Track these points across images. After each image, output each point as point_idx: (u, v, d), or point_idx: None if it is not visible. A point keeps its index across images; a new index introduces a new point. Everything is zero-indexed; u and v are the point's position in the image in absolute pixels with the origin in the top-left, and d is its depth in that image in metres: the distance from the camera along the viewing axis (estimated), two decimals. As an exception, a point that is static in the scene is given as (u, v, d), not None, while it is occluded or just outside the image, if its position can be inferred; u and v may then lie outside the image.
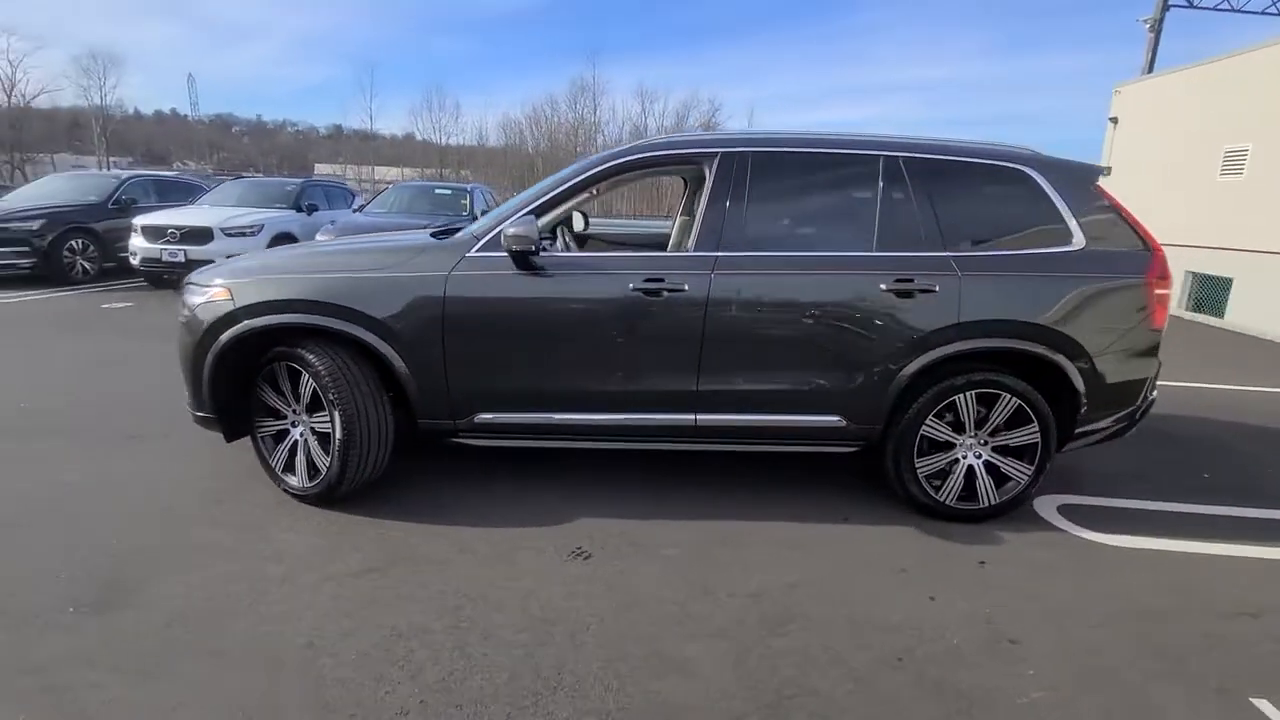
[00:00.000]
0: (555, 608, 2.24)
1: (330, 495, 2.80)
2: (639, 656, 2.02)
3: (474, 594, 2.29)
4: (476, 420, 2.85)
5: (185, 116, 60.52)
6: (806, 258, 2.86)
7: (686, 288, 2.74)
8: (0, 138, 40.13)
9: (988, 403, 2.84)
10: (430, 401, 2.82)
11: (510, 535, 2.71)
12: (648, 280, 2.73)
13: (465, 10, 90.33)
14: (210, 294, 2.78)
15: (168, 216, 8.17)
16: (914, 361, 2.79)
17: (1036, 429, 2.87)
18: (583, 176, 2.92)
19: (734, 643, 2.10)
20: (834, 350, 2.81)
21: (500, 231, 2.71)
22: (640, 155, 2.98)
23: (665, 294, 2.74)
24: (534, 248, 2.65)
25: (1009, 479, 2.94)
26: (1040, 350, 2.81)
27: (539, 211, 2.85)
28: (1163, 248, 3.00)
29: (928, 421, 2.84)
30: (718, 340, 2.77)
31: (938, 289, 2.77)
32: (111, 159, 45.84)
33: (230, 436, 2.94)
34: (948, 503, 2.93)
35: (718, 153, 2.91)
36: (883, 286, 2.76)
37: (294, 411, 2.86)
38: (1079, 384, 2.85)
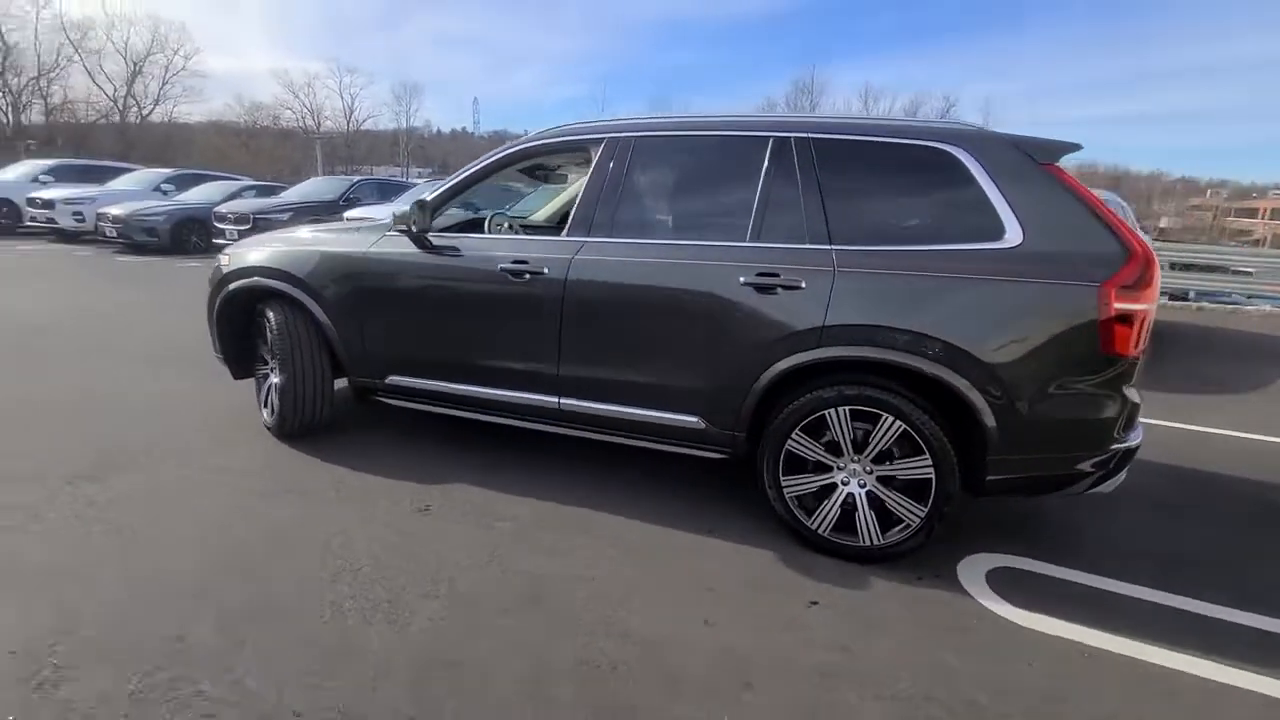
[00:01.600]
0: (353, 546, 2.50)
1: (281, 432, 3.39)
2: (372, 600, 2.19)
3: (310, 521, 2.65)
4: (388, 381, 3.22)
5: (470, 133, 72.30)
6: (665, 246, 2.71)
7: (546, 271, 2.79)
8: (340, 154, 51.84)
9: (872, 422, 2.42)
10: (354, 361, 3.25)
11: (387, 485, 3.02)
12: (514, 262, 2.84)
13: (695, 23, 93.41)
14: (219, 261, 3.54)
15: (361, 210, 10.06)
16: (775, 366, 2.49)
17: (928, 462, 2.37)
18: (478, 168, 3.11)
19: (458, 606, 2.16)
20: (690, 346, 2.63)
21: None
22: (531, 145, 3.08)
23: (528, 276, 2.82)
24: (411, 227, 2.93)
25: (899, 519, 2.46)
26: (917, 364, 2.32)
27: (439, 199, 3.11)
28: (1151, 252, 2.26)
29: (795, 436, 2.51)
30: (576, 325, 2.77)
31: (804, 286, 2.44)
32: (415, 170, 56.73)
33: (236, 375, 3.69)
34: (820, 532, 2.56)
35: (603, 138, 2.88)
36: (742, 280, 2.51)
37: (266, 361, 3.50)
38: (985, 416, 2.29)
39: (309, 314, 3.25)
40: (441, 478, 3.10)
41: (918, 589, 2.40)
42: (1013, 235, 2.31)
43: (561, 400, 2.89)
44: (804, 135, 2.59)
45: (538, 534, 2.66)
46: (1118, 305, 2.18)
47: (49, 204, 12.43)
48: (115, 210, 11.30)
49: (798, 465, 2.56)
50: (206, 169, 18.12)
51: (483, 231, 3.43)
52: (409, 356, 3.17)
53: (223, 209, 11.36)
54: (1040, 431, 2.30)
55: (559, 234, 2.93)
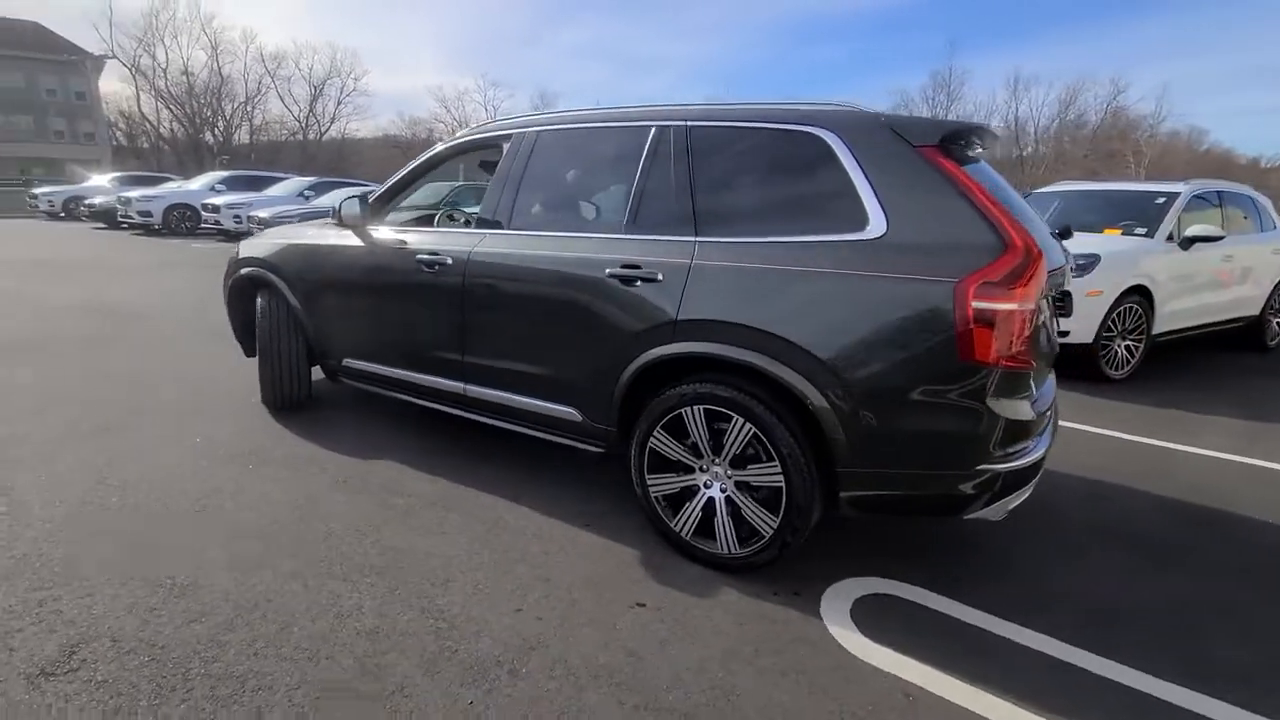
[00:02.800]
0: (261, 505, 2.78)
1: (275, 405, 3.82)
2: (239, 550, 2.43)
3: (246, 480, 2.98)
4: (344, 363, 3.51)
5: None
6: (549, 238, 2.71)
7: (449, 262, 2.91)
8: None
9: (727, 423, 2.29)
10: (319, 343, 3.58)
11: (329, 458, 3.29)
12: (429, 253, 2.99)
13: (829, 17, 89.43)
14: (234, 251, 4.03)
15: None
16: (635, 361, 2.43)
17: (778, 470, 2.20)
18: (412, 167, 3.31)
19: (307, 566, 2.34)
20: (568, 338, 2.63)
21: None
22: (456, 143, 3.22)
23: (437, 266, 2.96)
24: (345, 222, 3.18)
25: (754, 529, 2.31)
26: (759, 364, 2.15)
27: (382, 195, 3.34)
28: (1036, 245, 1.94)
29: (657, 434, 2.43)
30: (475, 314, 2.87)
31: (661, 279, 2.36)
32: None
33: (247, 354, 4.18)
34: (683, 535, 2.46)
35: (511, 133, 2.95)
36: (608, 272, 2.47)
37: (260, 340, 3.94)
38: (829, 423, 2.09)
39: (286, 301, 3.63)
40: (379, 455, 3.34)
41: (763, 605, 2.23)
42: (876, 225, 2.08)
43: (467, 387, 3.00)
44: (680, 124, 2.51)
45: (425, 512, 2.80)
46: (977, 304, 1.90)
47: (216, 209, 14.68)
48: (262, 213, 13.07)
49: (662, 464, 2.48)
50: (348, 178, 20.38)
51: (432, 226, 3.63)
52: (357, 341, 3.44)
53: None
54: (892, 445, 2.06)
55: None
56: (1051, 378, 2.61)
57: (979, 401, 1.95)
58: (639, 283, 2.41)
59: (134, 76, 47.53)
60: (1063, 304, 2.58)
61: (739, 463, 2.31)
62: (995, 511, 2.09)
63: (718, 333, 2.25)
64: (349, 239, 3.35)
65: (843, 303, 2.07)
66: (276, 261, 3.64)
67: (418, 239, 3.13)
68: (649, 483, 2.50)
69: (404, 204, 3.69)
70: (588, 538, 2.62)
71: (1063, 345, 4.72)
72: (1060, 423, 3.83)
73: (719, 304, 2.25)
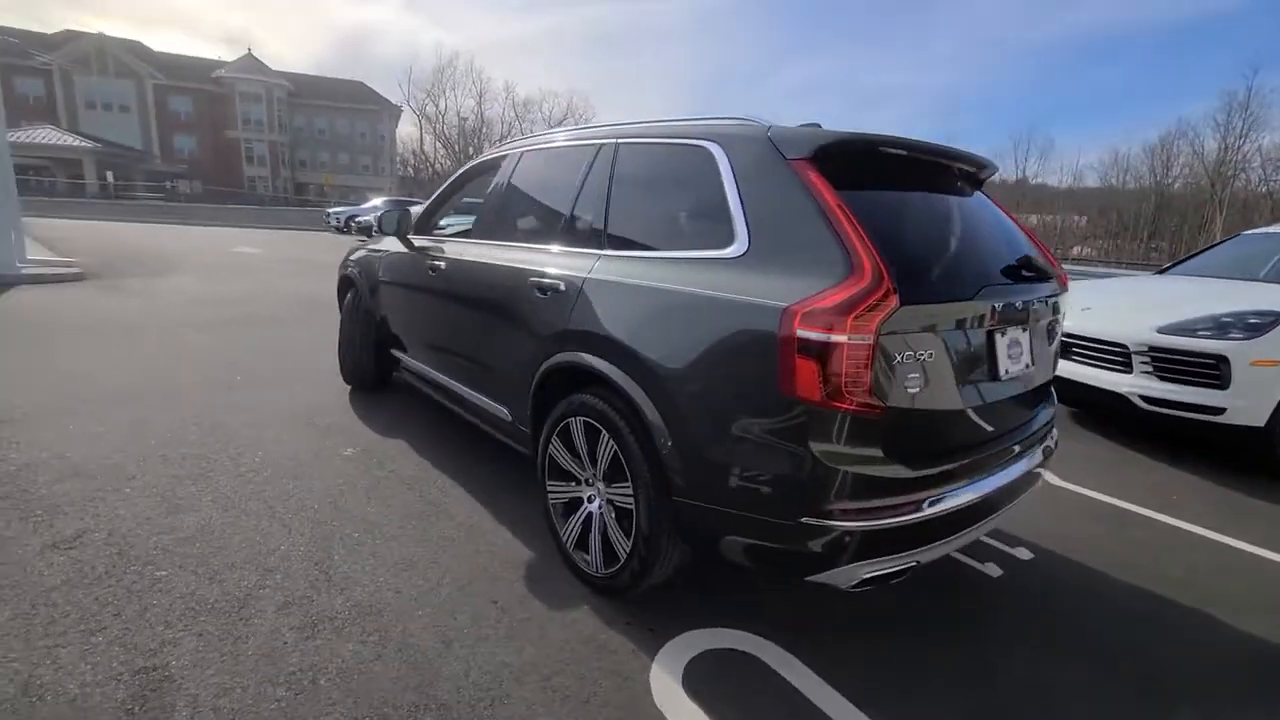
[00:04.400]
0: (269, 451, 3.33)
1: (351, 383, 4.51)
2: (216, 485, 2.96)
3: (282, 434, 3.59)
4: (394, 353, 4.04)
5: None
6: (503, 248, 2.88)
7: (443, 265, 3.24)
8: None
9: (599, 437, 2.27)
10: (385, 337, 4.14)
11: (356, 430, 3.80)
12: (436, 259, 3.36)
13: (1096, 41, 77.24)
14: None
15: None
16: (541, 367, 2.50)
17: (629, 490, 2.12)
18: (445, 186, 3.71)
19: (242, 512, 2.77)
20: (503, 339, 2.79)
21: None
22: (476, 164, 3.54)
23: (435, 272, 3.31)
24: (384, 230, 3.67)
25: (615, 551, 2.24)
26: (610, 373, 2.13)
27: (425, 210, 3.79)
28: (887, 273, 1.67)
29: (554, 441, 2.47)
30: (456, 312, 3.16)
31: (563, 289, 2.42)
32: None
33: None
34: (566, 545, 2.46)
35: (508, 154, 3.20)
36: (530, 280, 2.59)
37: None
38: (663, 446, 1.98)
39: (361, 296, 4.29)
40: (399, 435, 3.78)
41: (606, 631, 2.15)
42: (739, 243, 1.94)
43: (448, 380, 3.30)
44: (614, 141, 2.55)
45: (392, 486, 3.12)
46: (802, 332, 1.68)
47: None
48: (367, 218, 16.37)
49: (558, 472, 2.51)
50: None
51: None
52: (396, 334, 3.93)
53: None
54: (720, 480, 1.87)
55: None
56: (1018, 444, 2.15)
57: (800, 445, 1.71)
58: (550, 293, 2.49)
59: (420, 121, 57.92)
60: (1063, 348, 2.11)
61: (609, 479, 2.26)
62: (839, 577, 1.79)
63: (590, 344, 2.25)
64: (394, 247, 3.88)
65: (690, 322, 1.96)
66: (356, 264, 4.33)
67: (431, 245, 3.52)
68: (548, 489, 2.55)
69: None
70: (504, 536, 2.73)
71: (1219, 426, 3.75)
72: (1199, 529, 3.14)
73: (596, 316, 2.25)
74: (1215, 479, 3.87)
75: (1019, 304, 2.03)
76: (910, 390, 1.75)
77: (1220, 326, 3.92)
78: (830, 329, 1.65)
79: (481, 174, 3.50)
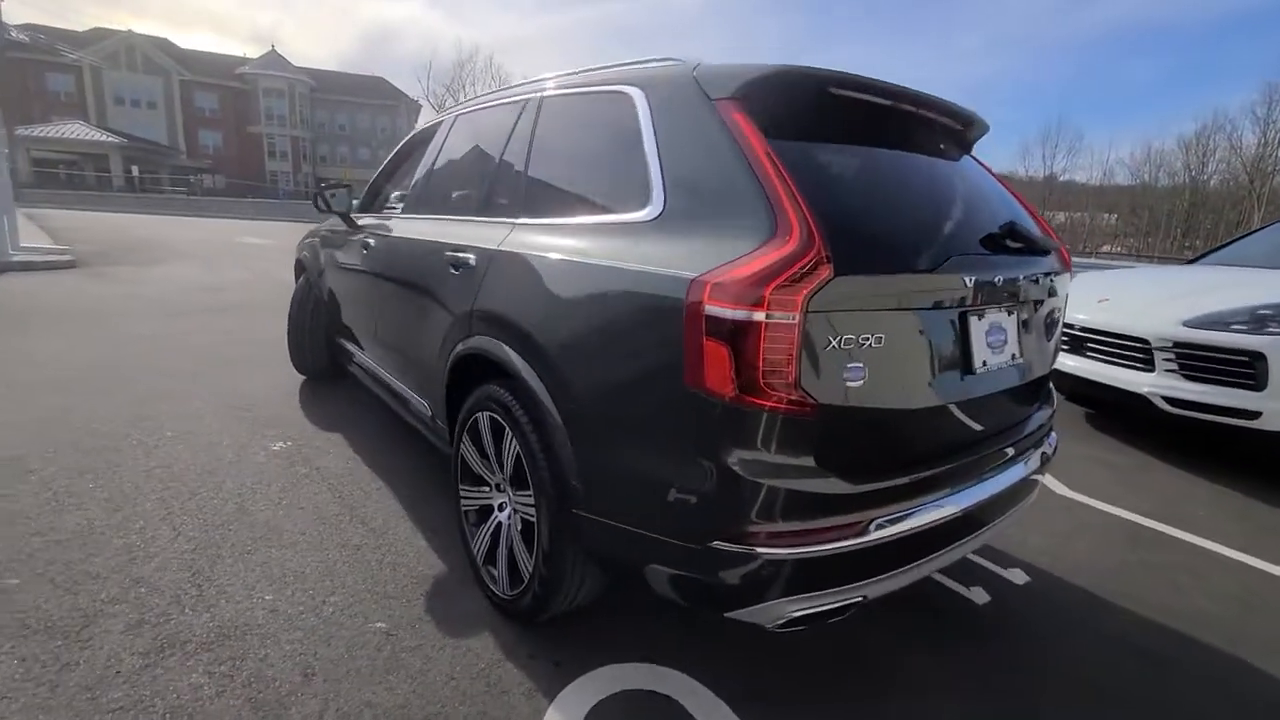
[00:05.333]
0: (198, 437, 3.06)
1: (300, 370, 4.25)
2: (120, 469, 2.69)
3: (210, 416, 3.33)
4: (339, 341, 3.75)
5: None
6: (424, 221, 2.56)
7: (373, 244, 2.93)
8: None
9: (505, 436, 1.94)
10: (332, 323, 3.84)
11: (297, 421, 3.53)
12: (369, 235, 3.05)
13: (1130, 33, 74.79)
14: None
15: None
16: (451, 355, 2.18)
17: (531, 499, 1.79)
18: (387, 161, 3.39)
19: (138, 499, 2.50)
20: (421, 323, 2.46)
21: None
22: (413, 135, 3.21)
23: (367, 251, 3.00)
24: (324, 209, 3.37)
25: (520, 569, 1.91)
26: (512, 362, 1.80)
27: (370, 188, 3.49)
28: (820, 236, 1.31)
29: (464, 440, 2.15)
30: (384, 295, 2.85)
31: (473, 263, 2.09)
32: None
33: None
34: (476, 558, 2.13)
35: (442, 120, 2.88)
36: (446, 255, 2.26)
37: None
38: (563, 449, 1.64)
39: (309, 280, 4.00)
40: (336, 427, 3.49)
41: (503, 665, 1.82)
42: (655, 203, 1.59)
43: (377, 366, 3.00)
44: (538, 95, 2.21)
45: (310, 488, 2.82)
46: (711, 309, 1.33)
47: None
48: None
49: (469, 475, 2.18)
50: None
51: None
52: (337, 320, 3.64)
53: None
54: (621, 492, 1.54)
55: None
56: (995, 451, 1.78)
57: (710, 452, 1.36)
58: (461, 268, 2.17)
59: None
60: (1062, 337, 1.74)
61: (516, 484, 1.93)
62: (762, 615, 1.44)
63: (495, 327, 1.92)
64: (340, 226, 3.59)
65: (592, 300, 1.61)
66: (307, 247, 4.06)
67: (369, 223, 3.22)
68: (460, 493, 2.22)
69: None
70: (417, 546, 2.41)
71: (1252, 432, 3.33)
72: (1227, 550, 2.77)
73: (503, 295, 1.92)
74: (1246, 491, 3.42)
75: (1000, 280, 1.65)
76: (851, 385, 1.39)
77: (1257, 320, 3.47)
78: (745, 304, 1.30)
79: (423, 143, 3.19)
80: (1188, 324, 3.62)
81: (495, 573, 2.02)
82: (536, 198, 2.05)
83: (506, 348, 1.84)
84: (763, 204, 1.38)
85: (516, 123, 2.26)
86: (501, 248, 2.00)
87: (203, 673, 1.71)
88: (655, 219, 1.57)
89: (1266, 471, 3.61)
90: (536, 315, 1.75)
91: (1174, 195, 41.64)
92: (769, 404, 1.32)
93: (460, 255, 2.18)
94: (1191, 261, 5.41)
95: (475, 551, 2.13)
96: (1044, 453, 2.00)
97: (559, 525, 1.71)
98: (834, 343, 1.35)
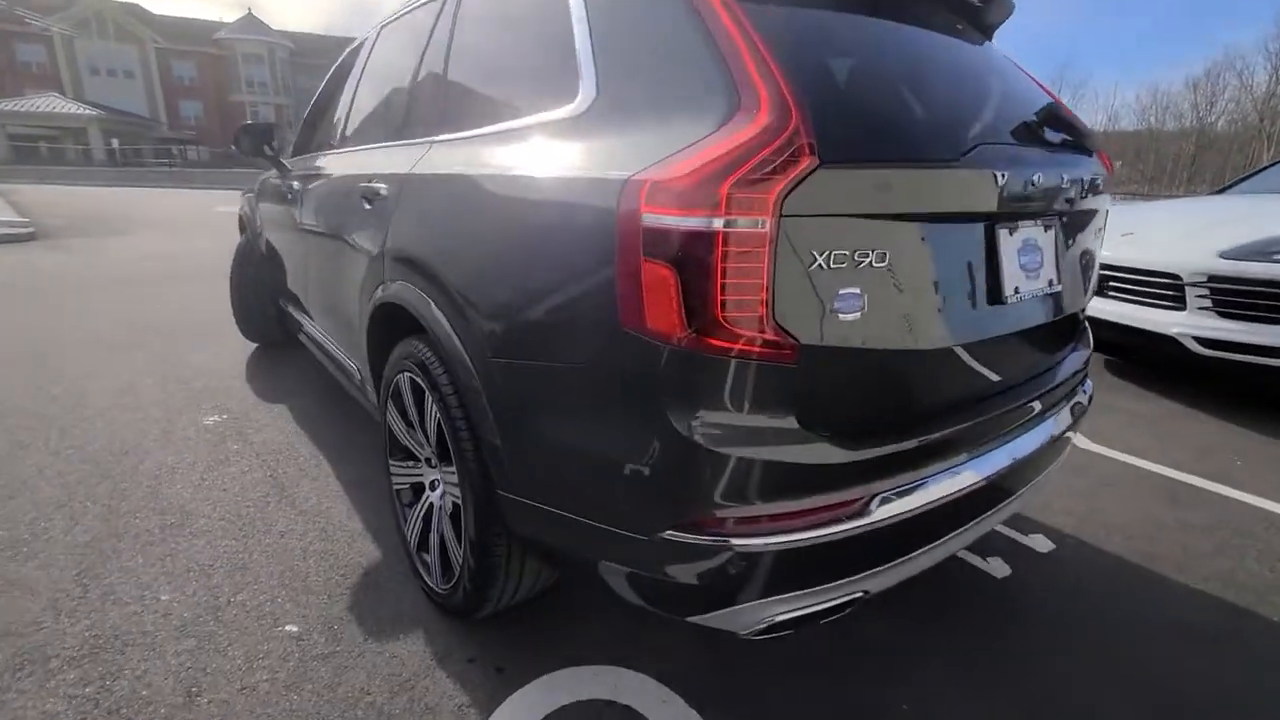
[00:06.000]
0: (130, 407, 2.74)
1: (247, 336, 3.91)
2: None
3: (150, 396, 3.00)
4: (280, 303, 3.39)
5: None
6: (342, 156, 2.19)
7: (296, 185, 2.55)
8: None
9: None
10: (273, 283, 3.48)
11: (240, 391, 3.19)
12: (293, 181, 2.67)
13: None
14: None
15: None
16: (369, 306, 1.83)
17: (454, 478, 1.46)
18: (320, 91, 2.97)
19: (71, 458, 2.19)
20: (340, 272, 2.10)
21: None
22: (344, 58, 2.78)
23: (291, 197, 2.62)
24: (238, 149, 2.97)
25: (450, 559, 1.59)
26: (423, 313, 1.46)
27: (304, 126, 3.08)
28: (799, 111, 0.94)
29: (389, 405, 1.81)
30: (306, 247, 2.49)
31: (384, 194, 1.72)
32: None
33: None
34: (409, 544, 1.82)
35: (364, 39, 2.46)
36: (360, 188, 1.89)
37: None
38: (475, 403, 1.31)
39: (250, 237, 3.62)
40: (281, 397, 3.16)
41: (433, 674, 1.52)
42: (584, 92, 1.21)
43: (316, 331, 2.65)
44: (459, -13, 1.80)
45: (243, 464, 2.50)
46: (649, 218, 0.97)
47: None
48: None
49: (397, 448, 1.86)
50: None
51: None
52: (275, 281, 3.27)
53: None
54: (548, 470, 1.20)
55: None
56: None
57: (654, 414, 1.01)
58: (374, 201, 1.80)
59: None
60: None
61: (443, 459, 1.60)
62: (734, 620, 1.12)
63: (408, 269, 1.56)
64: (273, 175, 3.19)
65: (507, 225, 1.25)
66: (245, 200, 3.66)
67: (298, 167, 2.82)
68: (390, 469, 1.90)
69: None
70: (351, 531, 2.09)
71: None
72: (1272, 505, 2.45)
73: (413, 230, 1.56)
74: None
75: (1039, 182, 1.28)
76: (844, 318, 1.04)
77: (1304, 248, 3.09)
78: (696, 208, 0.94)
79: (349, 68, 2.77)
80: (1225, 255, 3.24)
81: (429, 561, 1.71)
82: (456, 110, 1.66)
83: (422, 294, 1.48)
84: (719, 71, 1.01)
85: (435, 25, 1.85)
86: (414, 171, 1.62)
87: (63, 697, 1.41)
88: (584, 112, 1.20)
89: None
90: (445, 250, 1.40)
91: (1181, 138, 40.55)
92: (734, 346, 0.97)
93: (372, 187, 1.80)
94: (1219, 191, 4.98)
95: (409, 537, 1.81)
96: (1077, 403, 1.66)
97: (484, 509, 1.39)
98: (820, 261, 0.99)
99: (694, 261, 0.95)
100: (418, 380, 1.57)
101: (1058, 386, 1.55)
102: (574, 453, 1.15)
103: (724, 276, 0.94)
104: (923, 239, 1.11)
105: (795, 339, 0.99)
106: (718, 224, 0.93)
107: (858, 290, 1.03)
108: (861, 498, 1.10)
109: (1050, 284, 1.42)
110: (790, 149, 0.92)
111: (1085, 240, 1.59)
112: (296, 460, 2.55)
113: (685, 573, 1.08)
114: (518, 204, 1.23)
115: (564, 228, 1.12)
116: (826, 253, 0.99)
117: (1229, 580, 1.99)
